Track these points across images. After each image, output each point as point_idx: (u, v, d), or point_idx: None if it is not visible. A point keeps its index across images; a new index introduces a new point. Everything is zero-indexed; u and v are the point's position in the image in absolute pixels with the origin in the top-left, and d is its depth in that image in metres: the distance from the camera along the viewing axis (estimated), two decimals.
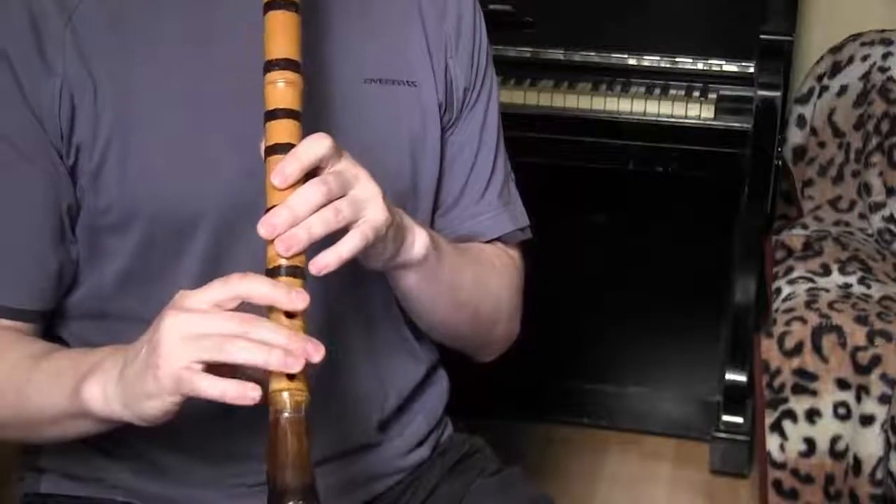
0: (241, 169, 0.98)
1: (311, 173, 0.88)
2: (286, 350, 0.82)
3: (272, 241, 0.85)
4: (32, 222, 1.00)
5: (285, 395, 0.82)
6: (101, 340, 0.98)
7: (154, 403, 0.86)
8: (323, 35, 1.04)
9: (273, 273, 0.85)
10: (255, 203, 0.88)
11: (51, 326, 1.07)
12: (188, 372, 0.83)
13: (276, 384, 0.83)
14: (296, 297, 0.83)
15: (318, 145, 0.88)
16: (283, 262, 0.85)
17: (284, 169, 0.86)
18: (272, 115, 0.89)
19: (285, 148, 0.87)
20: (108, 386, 0.89)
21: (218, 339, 0.82)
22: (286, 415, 0.82)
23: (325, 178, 0.87)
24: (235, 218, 1.01)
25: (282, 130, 0.88)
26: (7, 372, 0.98)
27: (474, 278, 1.11)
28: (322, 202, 0.86)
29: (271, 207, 0.86)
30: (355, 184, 0.90)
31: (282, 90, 0.89)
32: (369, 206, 0.90)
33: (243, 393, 0.82)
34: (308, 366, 0.83)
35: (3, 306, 1.01)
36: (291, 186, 0.86)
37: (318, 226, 0.86)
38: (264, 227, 0.85)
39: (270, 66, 0.90)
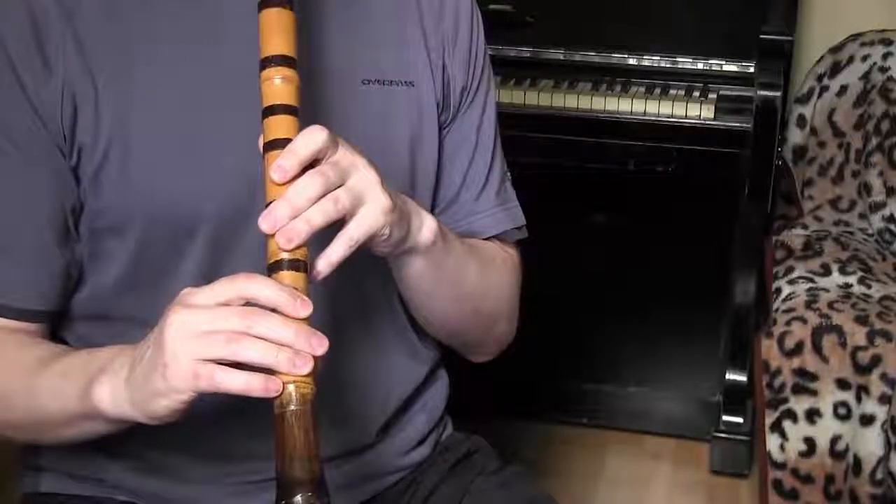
0: (241, 172, 0.98)
1: (310, 166, 0.88)
2: (294, 349, 0.82)
3: (273, 234, 0.85)
4: (38, 223, 1.00)
5: (291, 387, 0.82)
6: (105, 342, 0.98)
7: (163, 402, 0.85)
8: (320, 37, 1.04)
9: (275, 267, 0.85)
10: (255, 206, 0.88)
11: (55, 329, 1.06)
12: (204, 367, 0.82)
13: (282, 376, 0.82)
14: (300, 305, 0.83)
15: (314, 138, 0.87)
16: (285, 255, 0.85)
17: (282, 163, 0.86)
18: (270, 111, 0.89)
19: (283, 143, 0.87)
20: (116, 387, 0.89)
21: (223, 336, 0.82)
22: (292, 407, 0.82)
23: (322, 168, 0.87)
24: (234, 221, 1.01)
25: (279, 126, 0.88)
26: (17, 374, 0.98)
27: (478, 272, 1.12)
28: (321, 193, 0.86)
29: (271, 202, 0.86)
30: (353, 172, 0.90)
31: (279, 86, 0.89)
32: (368, 194, 0.90)
33: (267, 385, 0.82)
34: (314, 358, 0.83)
35: (10, 307, 1.01)
36: (290, 181, 0.86)
37: (318, 216, 0.86)
38: (265, 222, 0.85)
39: (266, 63, 0.90)
